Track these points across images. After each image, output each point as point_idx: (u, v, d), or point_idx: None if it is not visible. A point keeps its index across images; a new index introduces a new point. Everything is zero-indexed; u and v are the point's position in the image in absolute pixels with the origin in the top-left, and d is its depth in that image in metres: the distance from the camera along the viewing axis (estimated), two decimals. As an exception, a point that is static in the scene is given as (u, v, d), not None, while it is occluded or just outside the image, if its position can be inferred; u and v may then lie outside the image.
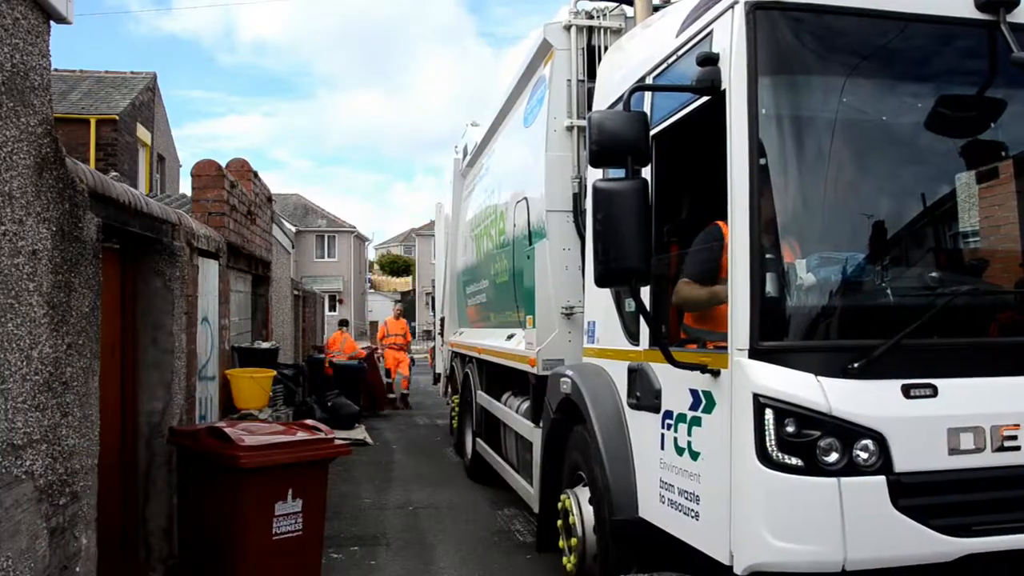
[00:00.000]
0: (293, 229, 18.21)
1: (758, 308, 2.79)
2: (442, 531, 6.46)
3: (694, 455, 3.16)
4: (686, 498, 3.22)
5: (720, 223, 3.31)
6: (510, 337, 6.40)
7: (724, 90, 2.98)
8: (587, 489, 4.24)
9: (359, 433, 11.05)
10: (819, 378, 2.71)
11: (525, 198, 5.90)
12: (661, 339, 3.18)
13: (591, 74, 5.17)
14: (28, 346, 2.72)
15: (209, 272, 6.12)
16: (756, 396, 2.72)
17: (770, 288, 2.85)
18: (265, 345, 8.40)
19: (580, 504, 4.27)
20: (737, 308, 2.86)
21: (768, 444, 2.68)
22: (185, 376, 5.17)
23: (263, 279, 9.48)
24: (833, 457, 2.66)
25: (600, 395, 4.05)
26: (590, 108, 4.97)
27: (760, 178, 2.84)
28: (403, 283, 52.09)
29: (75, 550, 3.16)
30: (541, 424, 5.23)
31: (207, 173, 6.69)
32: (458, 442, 9.45)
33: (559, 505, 4.56)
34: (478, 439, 7.93)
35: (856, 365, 2.72)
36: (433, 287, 16.02)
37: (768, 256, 2.85)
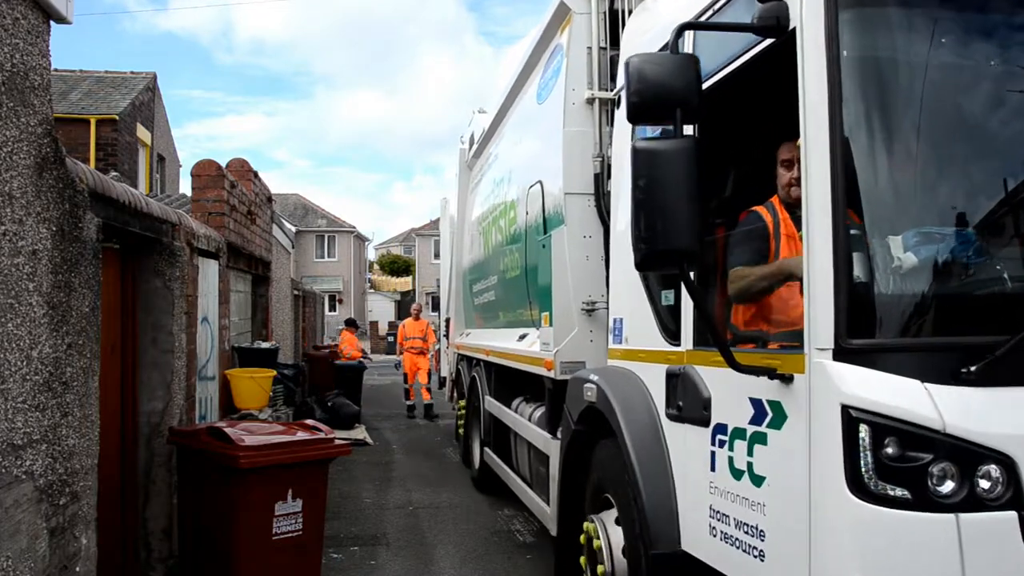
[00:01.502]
0: (293, 229, 18.21)
1: (845, 296, 2.24)
2: (442, 531, 6.46)
3: (757, 480, 2.60)
4: (746, 532, 2.65)
5: (759, 208, 3.02)
6: (522, 338, 5.88)
7: (793, 29, 2.45)
8: (616, 514, 3.68)
9: (359, 433, 11.06)
10: (926, 385, 2.17)
11: (539, 182, 5.34)
12: (720, 336, 2.57)
13: (614, 41, 4.61)
14: (28, 346, 2.72)
15: (209, 272, 6.12)
16: (846, 408, 2.17)
17: (859, 271, 2.31)
18: (265, 345, 8.40)
19: (608, 532, 3.70)
20: (817, 297, 2.29)
21: (863, 470, 2.14)
22: (185, 376, 5.17)
23: (263, 279, 9.48)
24: (949, 487, 2.12)
25: (632, 404, 3.49)
26: (613, 79, 4.54)
27: (842, 135, 2.30)
28: (403, 283, 52.07)
29: (75, 550, 3.16)
30: (559, 435, 4.61)
31: (207, 173, 6.69)
32: (465, 451, 8.95)
33: (582, 534, 3.98)
34: (486, 448, 7.39)
35: (973, 369, 2.17)
36: (438, 287, 15.49)
37: (854, 232, 2.30)
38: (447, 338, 10.59)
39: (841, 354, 2.25)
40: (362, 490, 7.93)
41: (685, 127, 2.45)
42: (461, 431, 9.17)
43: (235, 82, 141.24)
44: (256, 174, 8.64)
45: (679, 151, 2.37)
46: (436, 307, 45.73)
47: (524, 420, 5.86)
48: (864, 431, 2.15)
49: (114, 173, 9.22)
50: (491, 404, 7.15)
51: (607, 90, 4.63)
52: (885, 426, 2.13)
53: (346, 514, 6.93)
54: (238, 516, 4.25)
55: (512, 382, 6.57)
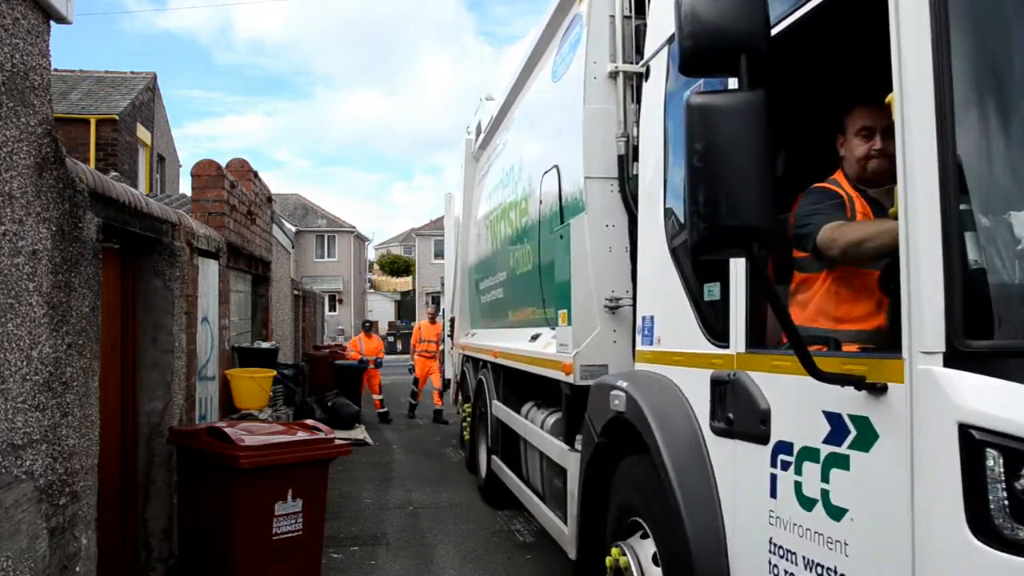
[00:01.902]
0: (293, 229, 18.20)
1: (959, 286, 1.80)
2: (442, 531, 6.46)
3: (835, 512, 2.14)
4: (820, 575, 2.20)
5: (824, 185, 2.64)
6: (535, 338, 5.41)
7: None
8: (649, 543, 3.20)
9: (359, 433, 11.06)
10: None
11: (555, 167, 4.89)
12: (798, 336, 2.03)
13: (639, 9, 4.22)
14: (28, 346, 2.73)
15: (209, 272, 6.12)
16: (965, 428, 1.73)
17: (975, 255, 1.87)
18: (265, 345, 8.40)
19: (640, 562, 3.20)
20: (922, 288, 1.83)
21: (992, 507, 1.70)
22: (185, 376, 5.17)
23: (263, 279, 9.48)
24: None
25: (670, 416, 3.02)
26: (639, 51, 4.08)
27: (951, 93, 1.84)
28: (403, 283, 52.04)
29: (75, 550, 3.16)
30: (578, 446, 4.20)
31: (207, 173, 6.69)
32: (470, 457, 8.45)
33: (608, 560, 3.47)
34: (494, 457, 6.88)
35: None
36: (442, 285, 14.62)
37: (964, 207, 1.86)
38: (452, 339, 10.00)
39: (955, 359, 1.77)
40: (362, 490, 7.93)
41: (754, 77, 1.97)
42: (467, 436, 8.68)
43: (235, 82, 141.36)
44: (256, 174, 8.64)
45: (747, 106, 1.93)
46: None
47: (536, 428, 5.35)
48: (992, 457, 1.69)
49: (114, 173, 9.23)
50: (499, 409, 6.65)
51: (632, 63, 4.20)
52: (1020, 452, 1.67)
53: (346, 514, 6.92)
54: (238, 516, 4.25)
55: (523, 386, 6.12)
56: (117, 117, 14.80)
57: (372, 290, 51.70)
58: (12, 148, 2.64)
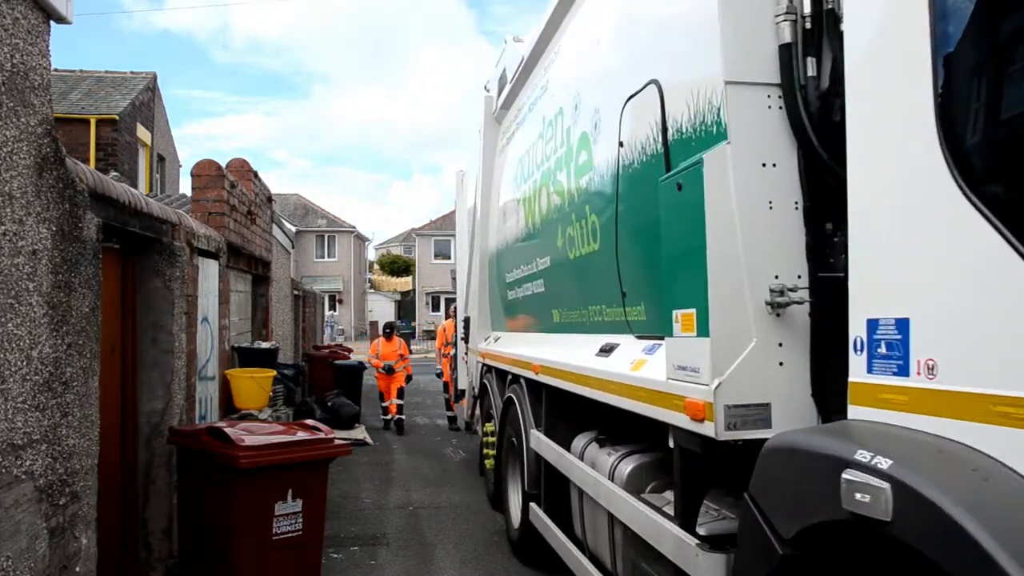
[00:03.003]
0: (293, 229, 18.21)
1: None
2: (442, 531, 6.46)
3: None
4: None
5: None
6: (607, 351, 3.82)
7: None
8: None
9: (359, 433, 11.06)
10: None
11: (653, 83, 3.25)
12: None
13: None
14: (28, 346, 2.73)
15: (209, 272, 6.12)
16: None
17: None
18: (265, 345, 8.40)
19: None
20: None
21: None
22: (185, 376, 5.17)
23: (263, 279, 9.48)
24: None
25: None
26: None
27: None
28: (403, 283, 52.05)
29: (75, 550, 3.16)
30: (702, 535, 2.70)
31: (207, 173, 6.69)
32: (497, 495, 6.87)
33: None
34: (533, 505, 5.20)
35: None
36: (453, 279, 12.17)
37: None
38: (466, 342, 8.51)
39: None
40: (362, 490, 7.93)
41: None
42: (489, 464, 7.03)
43: (235, 82, 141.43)
44: (256, 174, 8.65)
45: None
46: (436, 307, 45.91)
47: (605, 481, 3.69)
48: None
49: (114, 173, 9.23)
50: (541, 443, 4.91)
51: None
52: None
53: (346, 514, 6.92)
54: (238, 516, 4.25)
55: (573, 409, 4.57)
56: (117, 117, 14.81)
57: (372, 290, 51.71)
58: (12, 148, 2.64)
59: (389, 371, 12.54)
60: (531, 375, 5.12)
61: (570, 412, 4.67)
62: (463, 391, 9.15)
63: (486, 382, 7.22)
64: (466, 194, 9.08)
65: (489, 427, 6.95)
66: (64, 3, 3.02)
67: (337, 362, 13.16)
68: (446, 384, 12.08)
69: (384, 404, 12.44)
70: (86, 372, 3.23)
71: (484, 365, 7.32)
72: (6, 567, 2.58)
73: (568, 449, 4.40)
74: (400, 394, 12.29)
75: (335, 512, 6.75)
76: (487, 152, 7.23)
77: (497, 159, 7.02)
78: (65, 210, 3.04)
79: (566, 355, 4.38)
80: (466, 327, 8.44)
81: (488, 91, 7.42)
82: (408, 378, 12.84)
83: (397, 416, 12.11)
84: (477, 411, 8.09)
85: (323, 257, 45.42)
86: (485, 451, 7.22)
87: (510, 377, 6.08)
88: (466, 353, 8.65)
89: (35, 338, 2.78)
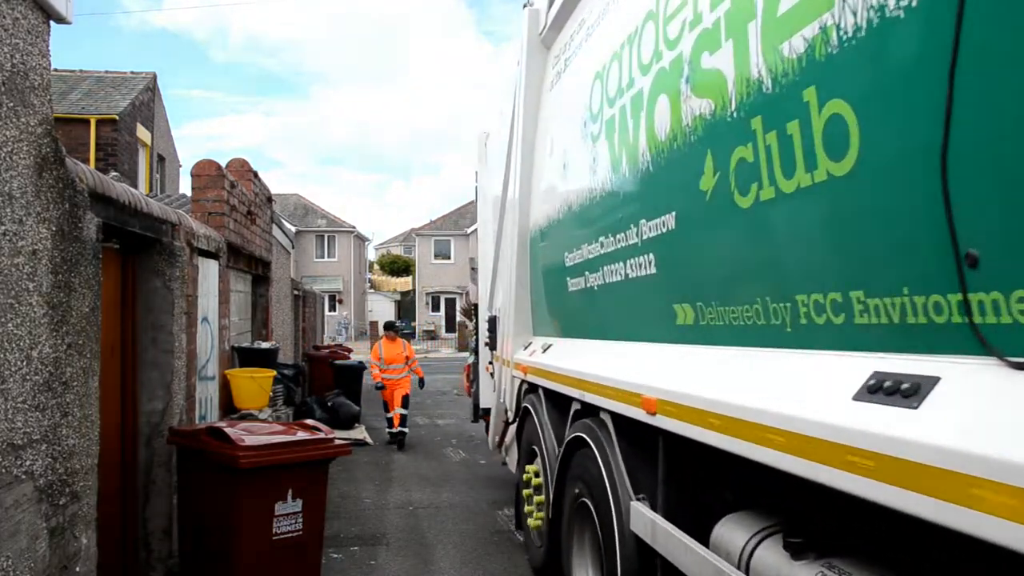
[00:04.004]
0: (293, 229, 18.22)
1: None
2: (442, 531, 6.46)
3: None
4: None
5: None
6: (912, 394, 1.69)
7: None
8: None
9: (359, 433, 11.06)
10: None
11: None
12: None
13: None
14: (28, 346, 2.73)
15: (209, 272, 6.12)
16: None
17: None
18: (265, 345, 8.40)
19: None
20: None
21: None
22: (185, 376, 5.17)
23: (263, 279, 9.48)
24: None
25: None
26: None
27: None
28: (403, 283, 52.07)
29: (75, 550, 3.16)
30: None
31: (207, 173, 6.69)
32: (547, 569, 4.88)
33: None
34: None
35: None
36: (471, 272, 8.70)
37: None
38: (492, 348, 6.69)
39: None
40: (362, 490, 7.93)
41: None
42: (534, 524, 5.11)
43: (235, 82, 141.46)
44: (256, 174, 8.65)
45: None
46: (436, 307, 45.86)
47: None
48: None
49: (114, 173, 9.23)
50: (657, 531, 2.99)
51: None
52: None
53: (346, 514, 6.92)
54: (238, 516, 4.25)
55: (718, 474, 2.95)
56: (117, 117, 14.81)
57: (372, 290, 51.73)
58: (12, 148, 2.64)
59: (421, 385, 11.25)
60: (634, 412, 3.10)
61: (713, 479, 2.96)
62: (487, 410, 7.26)
63: (529, 407, 5.27)
64: (491, 160, 7.13)
65: (532, 468, 5.12)
66: (64, 3, 3.02)
67: (337, 362, 13.16)
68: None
69: (389, 415, 10.88)
70: (86, 372, 3.24)
71: (525, 383, 5.40)
72: (6, 567, 2.58)
73: (707, 542, 2.67)
74: (405, 402, 10.92)
75: (335, 512, 6.75)
76: (529, 90, 5.39)
77: (547, 96, 5.21)
78: (65, 210, 3.04)
79: (740, 387, 2.37)
80: (491, 330, 6.63)
81: (531, 2, 5.57)
82: (420, 382, 11.55)
83: (400, 428, 10.71)
84: (508, 439, 6.38)
85: (323, 257, 45.44)
86: (527, 508, 5.20)
87: (577, 407, 4.20)
88: (490, 363, 6.94)
89: (35, 338, 2.78)
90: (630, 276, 3.54)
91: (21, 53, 2.74)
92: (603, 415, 3.72)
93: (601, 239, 3.90)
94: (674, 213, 3.03)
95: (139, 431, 4.73)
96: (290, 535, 4.43)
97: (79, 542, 3.20)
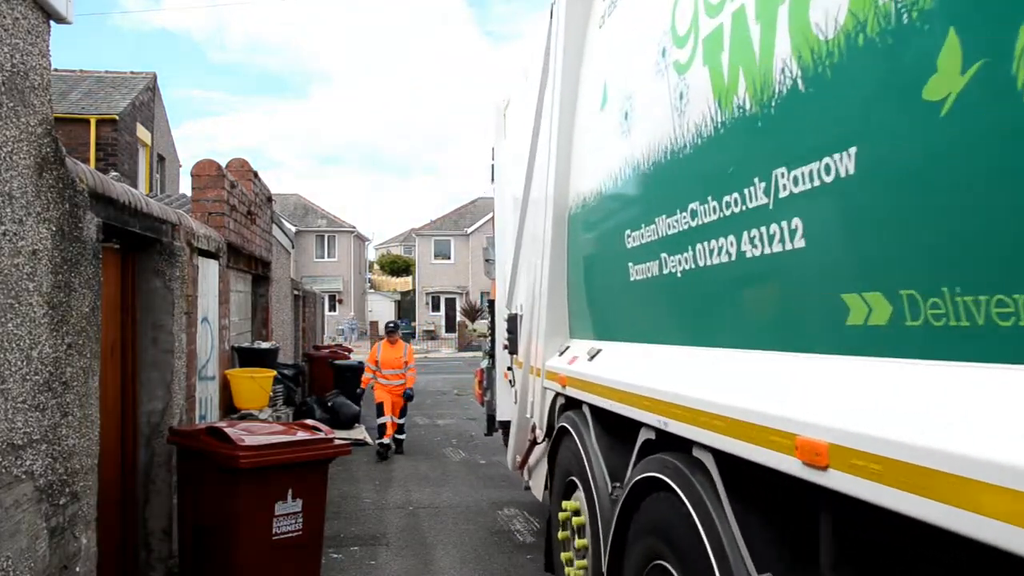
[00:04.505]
0: (293, 229, 18.22)
1: None
2: (442, 531, 6.46)
3: None
4: None
5: None
6: None
7: None
8: None
9: (359, 433, 11.06)
10: None
11: None
12: None
13: None
14: (28, 346, 2.72)
15: (209, 272, 6.12)
16: None
17: None
18: (265, 345, 8.40)
19: None
20: None
21: None
22: (185, 376, 5.17)
23: (263, 279, 9.48)
24: None
25: None
26: None
27: None
28: (403, 283, 52.08)
29: (75, 550, 3.16)
30: None
31: (207, 173, 6.69)
32: None
33: None
34: None
35: None
36: (488, 262, 7.98)
37: None
38: (511, 351, 5.68)
39: None
40: (362, 490, 7.93)
41: None
42: (574, 574, 4.09)
43: (234, 81, 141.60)
44: (256, 174, 8.65)
45: None
46: (436, 307, 45.81)
47: None
48: None
49: (114, 173, 9.23)
50: None
51: None
52: None
53: (346, 514, 6.92)
54: (238, 516, 4.25)
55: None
56: (117, 117, 14.81)
57: (372, 290, 51.75)
58: (12, 148, 2.64)
59: (409, 397, 10.32)
60: (778, 460, 2.03)
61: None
62: (505, 423, 6.34)
63: (567, 427, 4.25)
64: (513, 132, 6.24)
65: (571, 506, 4.12)
66: (64, 3, 3.02)
67: (337, 362, 13.17)
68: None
69: (381, 421, 9.87)
70: (86, 372, 3.23)
71: (562, 397, 4.44)
72: (6, 567, 2.57)
73: None
74: (403, 411, 10.05)
75: (335, 512, 6.75)
76: (570, 33, 4.45)
77: (594, 37, 4.28)
78: (65, 210, 3.04)
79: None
80: (511, 330, 5.62)
81: None
82: (407, 395, 10.26)
83: (395, 437, 9.84)
84: (533, 460, 5.31)
85: (323, 257, 45.45)
86: (565, 554, 4.25)
87: (650, 436, 3.15)
88: (509, 368, 6.04)
89: (35, 338, 2.78)
90: (749, 254, 2.42)
91: (21, 53, 2.74)
92: (699, 453, 2.62)
93: (692, 206, 2.81)
94: (852, 151, 1.90)
95: (139, 431, 4.72)
96: (290, 535, 4.43)
97: (79, 542, 3.20)
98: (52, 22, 3.02)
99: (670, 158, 3.04)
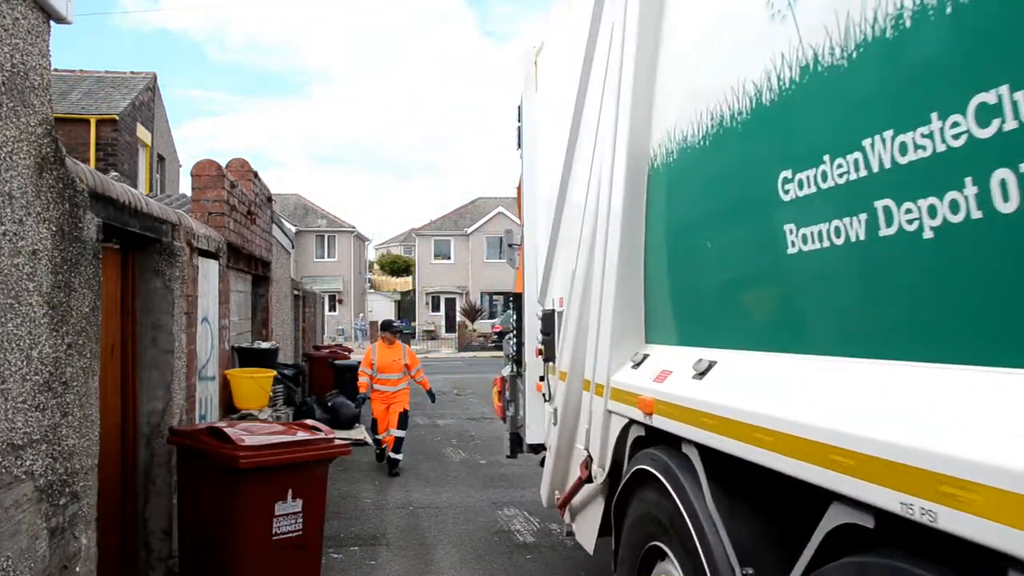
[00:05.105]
0: (293, 229, 18.21)
1: None
2: (442, 531, 6.46)
3: None
4: None
5: None
6: None
7: None
8: None
9: (359, 433, 11.06)
10: None
11: None
12: None
13: None
14: (28, 346, 2.72)
15: (209, 272, 6.12)
16: None
17: None
18: (265, 345, 8.40)
19: None
20: None
21: None
22: (185, 376, 5.17)
23: (263, 279, 9.48)
24: None
25: None
26: None
27: None
28: (403, 283, 52.08)
29: (75, 550, 3.16)
30: None
31: (207, 173, 6.69)
32: None
33: None
34: None
35: None
36: (501, 249, 7.25)
37: None
38: (546, 358, 4.67)
39: None
40: (362, 490, 7.93)
41: None
42: None
43: (234, 81, 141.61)
44: (256, 174, 8.64)
45: None
46: (436, 307, 45.80)
47: None
48: None
49: (114, 173, 9.23)
50: None
51: None
52: None
53: (346, 514, 6.92)
54: (238, 516, 4.25)
55: None
56: (117, 117, 14.80)
57: (372, 290, 51.75)
58: (12, 148, 2.63)
59: (433, 397, 9.61)
60: None
61: None
62: (537, 447, 5.34)
63: (654, 472, 2.88)
64: (546, 81, 5.28)
65: None
66: (64, 3, 3.02)
67: (337, 362, 13.17)
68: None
69: (377, 436, 9.17)
70: (86, 372, 3.23)
71: (646, 428, 3.09)
72: (6, 567, 2.57)
73: None
74: (403, 422, 8.93)
75: (335, 512, 6.75)
76: None
77: None
78: (65, 210, 3.04)
79: None
80: (546, 331, 4.62)
81: None
82: (431, 396, 9.70)
83: (390, 456, 8.83)
84: (578, 501, 4.09)
85: (323, 257, 45.44)
86: None
87: (840, 519, 1.83)
88: (542, 378, 4.93)
89: (35, 338, 2.78)
90: None
91: (21, 53, 2.74)
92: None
93: (953, 116, 1.54)
94: None
95: (139, 431, 4.72)
96: (290, 535, 4.43)
97: (79, 542, 3.20)
98: (52, 22, 3.02)
99: (898, 34, 1.73)
